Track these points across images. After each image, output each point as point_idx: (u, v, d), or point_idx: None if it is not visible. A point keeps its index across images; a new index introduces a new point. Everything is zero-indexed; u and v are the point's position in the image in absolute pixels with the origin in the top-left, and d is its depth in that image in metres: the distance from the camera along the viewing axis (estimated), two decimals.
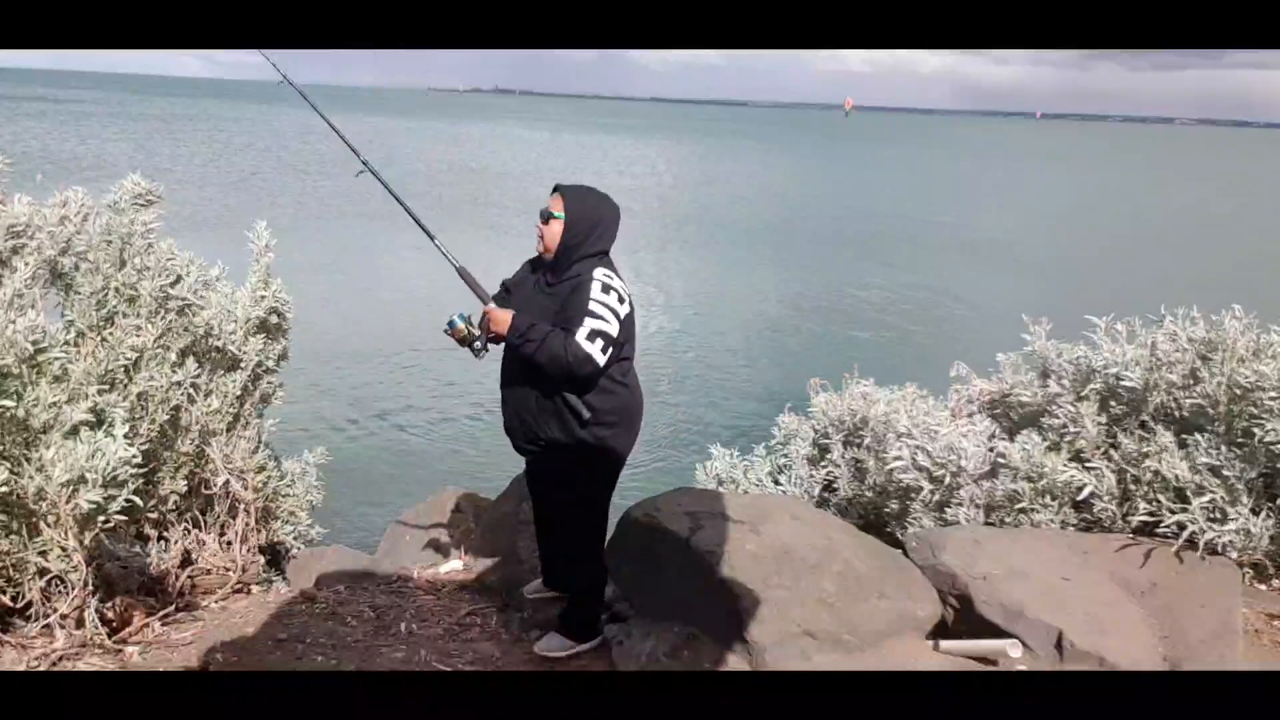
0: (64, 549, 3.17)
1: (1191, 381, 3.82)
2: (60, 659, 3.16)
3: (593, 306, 3.10)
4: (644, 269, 22.71)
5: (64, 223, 4.05)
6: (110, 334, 3.92)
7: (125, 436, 3.26)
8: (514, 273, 3.43)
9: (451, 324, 3.31)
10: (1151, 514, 3.66)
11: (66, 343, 3.48)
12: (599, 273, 3.15)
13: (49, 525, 3.16)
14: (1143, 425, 3.92)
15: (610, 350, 3.11)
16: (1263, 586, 3.70)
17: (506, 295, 3.35)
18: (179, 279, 4.20)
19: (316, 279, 17.81)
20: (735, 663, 3.13)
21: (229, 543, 4.27)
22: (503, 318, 3.21)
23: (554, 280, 3.24)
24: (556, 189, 3.26)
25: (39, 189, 4.21)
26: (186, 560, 4.11)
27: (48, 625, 3.24)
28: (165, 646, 3.47)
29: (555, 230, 3.20)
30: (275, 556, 4.69)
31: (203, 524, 4.24)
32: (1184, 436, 3.74)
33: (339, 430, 11.35)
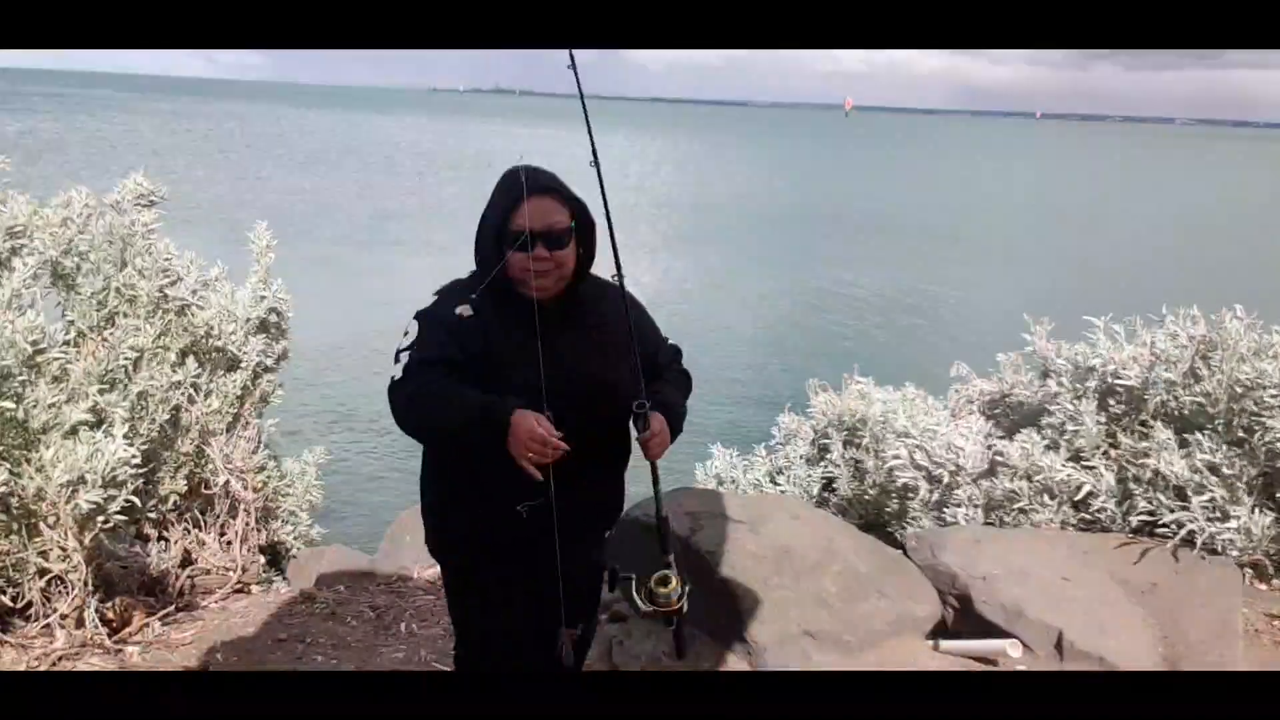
0: (64, 549, 3.18)
1: (1191, 380, 3.82)
2: (60, 659, 3.16)
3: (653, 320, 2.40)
4: (642, 269, 22.70)
5: (66, 224, 4.05)
6: (110, 334, 3.92)
7: (125, 436, 3.27)
8: (445, 321, 2.12)
9: (668, 599, 2.07)
10: (1151, 513, 3.66)
11: (66, 343, 3.48)
12: (616, 283, 2.25)
13: (49, 525, 3.16)
14: (1142, 424, 3.92)
15: None
16: (1263, 586, 3.70)
17: (456, 366, 2.07)
18: (178, 279, 4.20)
19: (317, 277, 17.79)
20: (735, 663, 3.13)
21: (229, 543, 4.27)
22: (663, 437, 2.14)
23: (576, 311, 2.22)
24: (551, 191, 2.18)
25: (43, 188, 4.21)
26: (186, 560, 4.11)
27: (48, 625, 3.25)
28: (165, 646, 3.47)
29: (570, 252, 2.18)
30: (275, 556, 4.69)
31: (203, 524, 4.24)
32: (1184, 435, 3.74)
33: (339, 430, 11.34)
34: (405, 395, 2.06)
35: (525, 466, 1.92)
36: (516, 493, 1.99)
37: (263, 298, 4.47)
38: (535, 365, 2.00)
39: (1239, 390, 3.62)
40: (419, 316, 2.17)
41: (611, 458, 2.25)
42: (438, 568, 4.48)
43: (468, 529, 2.23)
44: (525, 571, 2.16)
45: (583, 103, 2.25)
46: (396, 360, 2.11)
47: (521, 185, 2.13)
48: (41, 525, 3.16)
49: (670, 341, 2.45)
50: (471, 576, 2.28)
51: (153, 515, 4.01)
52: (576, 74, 2.17)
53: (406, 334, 2.14)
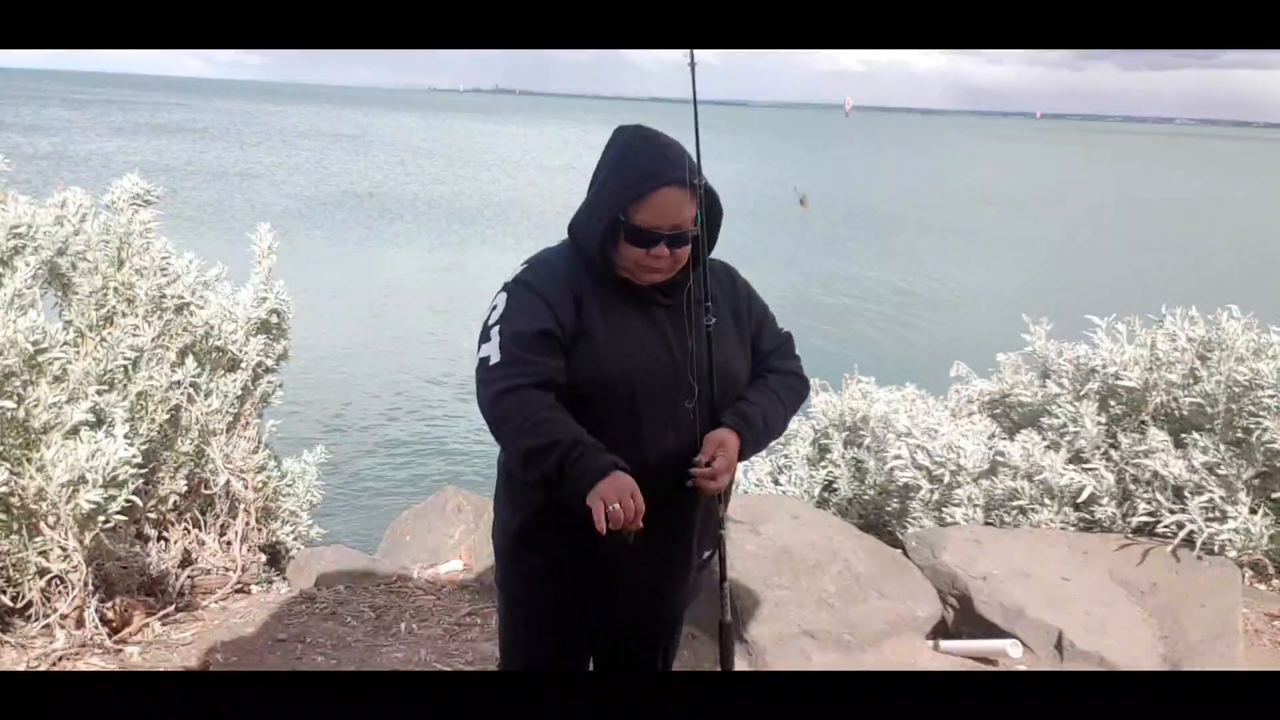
0: (64, 549, 3.17)
1: (1190, 381, 3.82)
2: (60, 659, 3.16)
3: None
4: None
5: (61, 223, 4.05)
6: (109, 334, 3.92)
7: (125, 436, 3.26)
8: (538, 291, 1.86)
9: None
10: (1151, 514, 3.67)
11: (65, 343, 3.48)
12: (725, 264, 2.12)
13: (49, 525, 3.16)
14: (1142, 425, 3.93)
15: None
16: (1263, 586, 3.70)
17: (551, 339, 1.82)
18: (176, 278, 4.20)
19: (317, 278, 17.80)
20: (735, 663, 3.13)
21: (229, 543, 4.27)
22: (732, 446, 1.90)
23: (677, 294, 1.94)
24: (685, 184, 1.85)
25: (39, 188, 4.21)
26: (186, 560, 4.10)
27: (48, 625, 3.24)
28: (165, 646, 3.47)
29: (687, 248, 1.90)
30: (275, 556, 4.69)
31: (203, 524, 4.24)
32: (1183, 436, 3.75)
33: (339, 430, 11.34)
34: (494, 393, 1.78)
35: (595, 510, 1.64)
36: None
37: (264, 299, 4.47)
38: (639, 348, 1.86)
39: (1237, 391, 3.62)
40: (507, 287, 1.89)
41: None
42: (438, 567, 4.50)
43: (558, 562, 1.96)
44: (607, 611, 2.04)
45: (695, 107, 1.94)
46: (486, 339, 1.84)
47: (654, 176, 1.83)
48: (42, 525, 3.16)
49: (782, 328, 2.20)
50: (546, 618, 2.06)
51: (153, 515, 4.01)
52: (694, 75, 1.96)
53: (495, 307, 1.87)
